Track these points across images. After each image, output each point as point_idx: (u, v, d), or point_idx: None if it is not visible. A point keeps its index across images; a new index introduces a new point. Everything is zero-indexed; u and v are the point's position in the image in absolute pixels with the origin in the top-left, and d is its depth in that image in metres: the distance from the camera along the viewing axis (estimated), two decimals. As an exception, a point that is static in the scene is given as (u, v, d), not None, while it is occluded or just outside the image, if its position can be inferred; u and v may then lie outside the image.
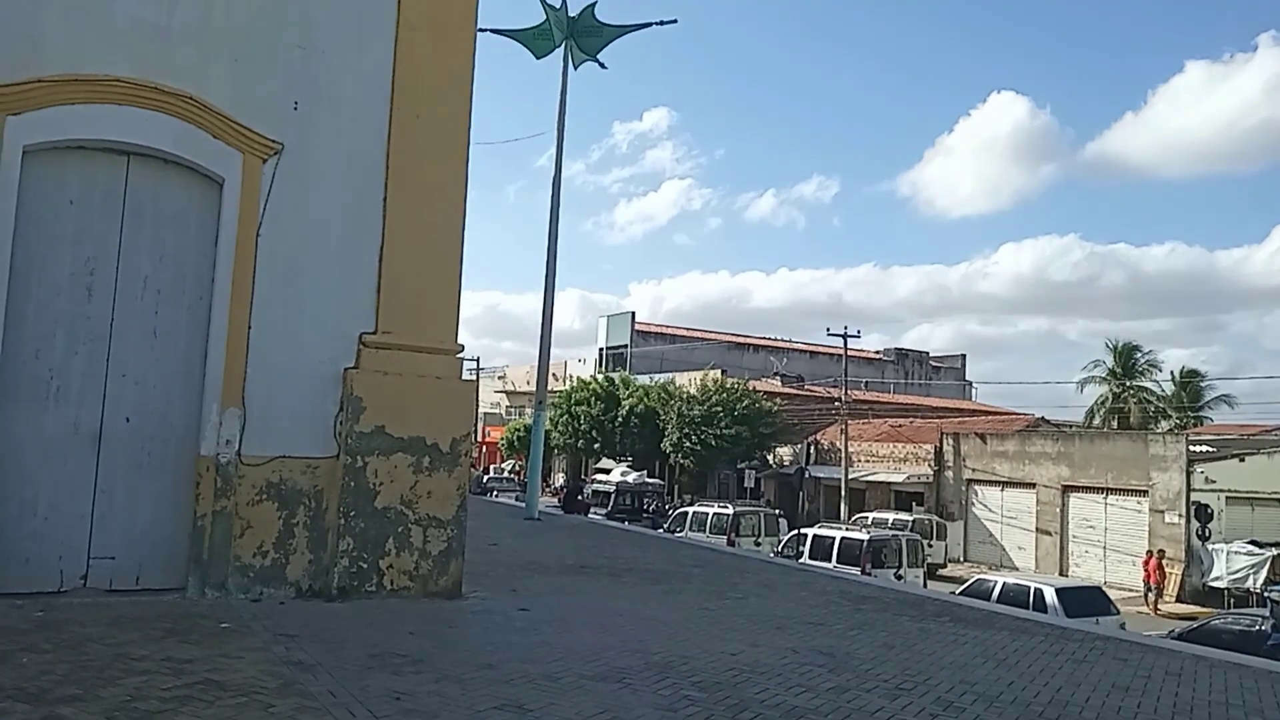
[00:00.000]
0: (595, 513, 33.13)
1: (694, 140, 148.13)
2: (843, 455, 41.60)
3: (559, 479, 57.70)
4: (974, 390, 71.07)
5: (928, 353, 75.71)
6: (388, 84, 8.39)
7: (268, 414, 7.76)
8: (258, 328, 7.77)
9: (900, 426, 45.59)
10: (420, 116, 8.47)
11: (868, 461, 42.63)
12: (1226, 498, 30.73)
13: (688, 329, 70.03)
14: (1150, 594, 28.34)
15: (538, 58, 20.67)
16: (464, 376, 9.02)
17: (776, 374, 58.16)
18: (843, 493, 40.84)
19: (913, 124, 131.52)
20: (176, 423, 7.63)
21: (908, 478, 40.18)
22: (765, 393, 48.45)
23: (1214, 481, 30.77)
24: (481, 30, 20.50)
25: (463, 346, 8.73)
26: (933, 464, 39.41)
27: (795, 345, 69.25)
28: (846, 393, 44.13)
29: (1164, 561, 28.97)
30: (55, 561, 7.15)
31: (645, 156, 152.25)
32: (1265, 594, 20.06)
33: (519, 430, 56.01)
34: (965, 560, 35.79)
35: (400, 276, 8.26)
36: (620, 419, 48.39)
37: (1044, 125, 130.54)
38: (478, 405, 68.54)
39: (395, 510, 8.05)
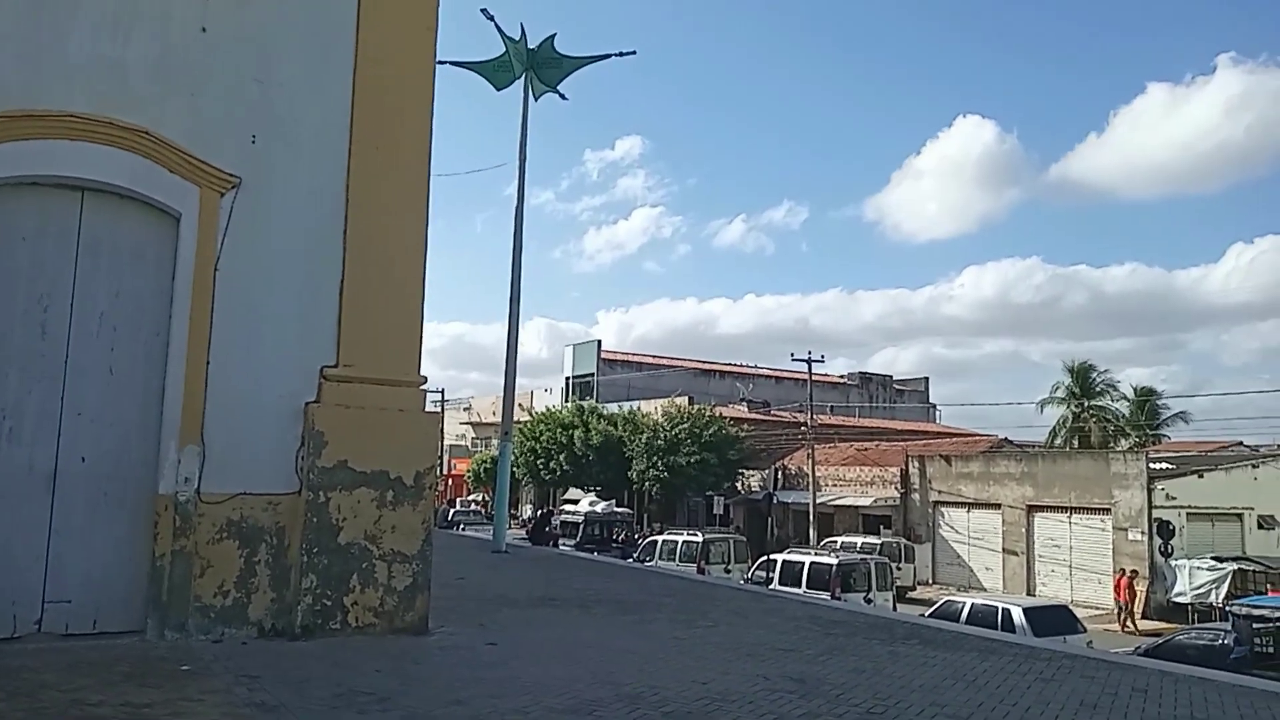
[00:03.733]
0: (564, 543, 32.93)
1: (666, 169, 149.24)
2: (810, 480, 41.72)
3: (527, 510, 57.27)
4: (938, 412, 71.71)
5: (891, 376, 76.36)
6: (347, 117, 8.37)
7: (227, 451, 7.65)
8: (217, 363, 7.67)
9: (866, 450, 45.83)
10: (380, 149, 8.45)
11: (835, 485, 42.77)
12: (1187, 514, 31.17)
13: (654, 356, 70.12)
14: (1121, 613, 28.60)
15: (498, 89, 20.76)
16: (428, 408, 8.95)
17: (743, 400, 58.32)
18: (811, 517, 40.89)
19: (880, 149, 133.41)
20: (134, 461, 7.50)
21: (875, 501, 40.34)
22: (731, 419, 48.52)
23: (1175, 498, 31.21)
24: (441, 63, 20.63)
25: (425, 378, 8.68)
26: (899, 487, 39.62)
27: (761, 371, 69.56)
28: (812, 417, 44.33)
29: (1133, 580, 29.28)
30: (8, 606, 6.96)
31: (617, 184, 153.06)
32: (1227, 608, 20.31)
33: (485, 462, 55.57)
34: (934, 582, 35.92)
35: (361, 309, 8.20)
36: (585, 449, 48.16)
37: (1009, 149, 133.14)
38: (443, 437, 68.12)
39: (359, 546, 7.94)
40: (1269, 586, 26.18)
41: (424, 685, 6.36)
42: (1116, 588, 29.23)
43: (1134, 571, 29.52)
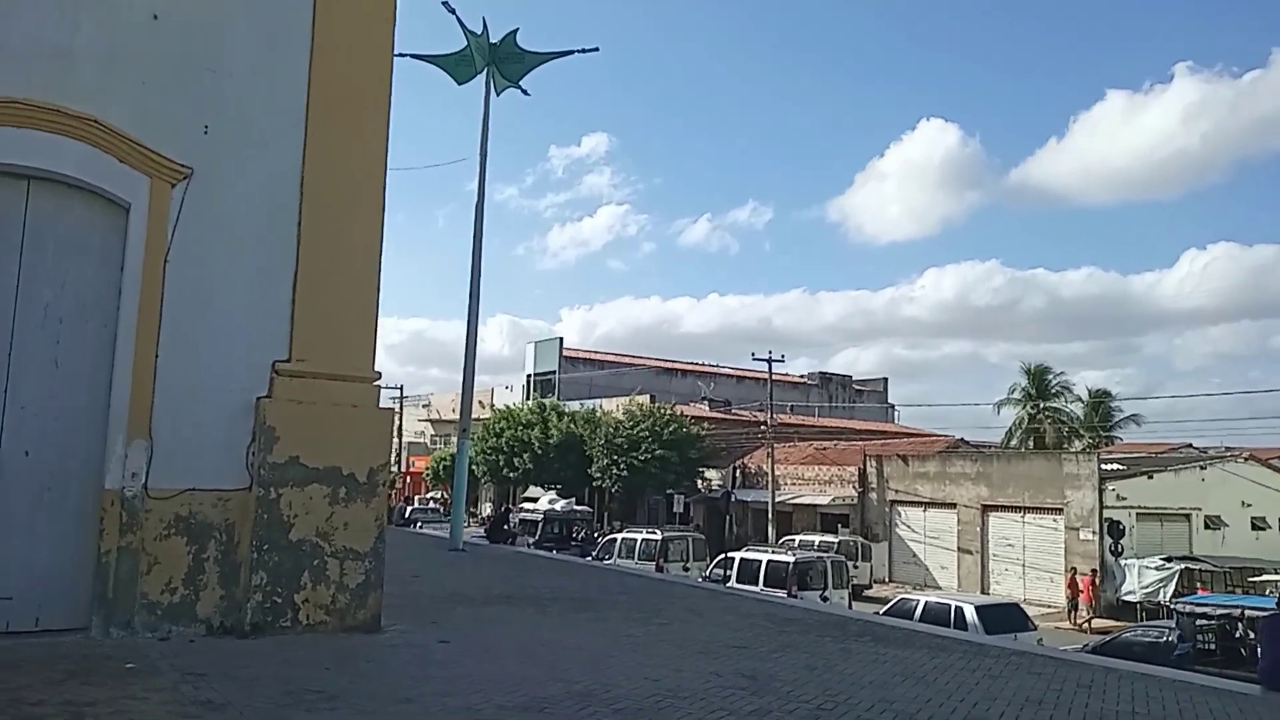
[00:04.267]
0: (525, 541, 32.81)
1: (633, 166, 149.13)
2: (770, 478, 41.96)
3: (487, 508, 56.97)
4: (896, 413, 72.45)
5: (851, 376, 77.02)
6: (302, 107, 8.27)
7: (176, 445, 7.52)
8: (166, 356, 7.54)
9: (825, 449, 46.21)
10: (336, 141, 8.36)
11: (794, 484, 43.08)
12: (1137, 514, 31.83)
13: (616, 355, 70.10)
14: (1076, 610, 29.07)
15: (459, 84, 20.64)
16: (384, 404, 8.88)
17: (704, 399, 58.49)
18: (770, 516, 41.14)
19: (844, 150, 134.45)
20: (79, 456, 7.35)
21: (833, 500, 40.70)
22: (693, 417, 48.64)
23: (1125, 499, 31.85)
24: (402, 55, 20.47)
25: (380, 373, 8.60)
26: (857, 486, 40.01)
27: (723, 370, 69.78)
28: (772, 416, 44.58)
29: (1080, 578, 29.79)
30: (-54, 604, 6.80)
31: (582, 181, 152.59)
32: (1172, 606, 20.77)
33: (444, 460, 55.22)
34: (890, 580, 36.31)
35: (315, 303, 8.11)
36: (545, 447, 48.05)
37: (971, 153, 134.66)
38: (401, 434, 67.61)
39: (310, 543, 7.85)
40: (1199, 585, 26.83)
41: (374, 683, 6.31)
42: (1072, 585, 29.66)
43: (1094, 570, 30.02)
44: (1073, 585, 29.70)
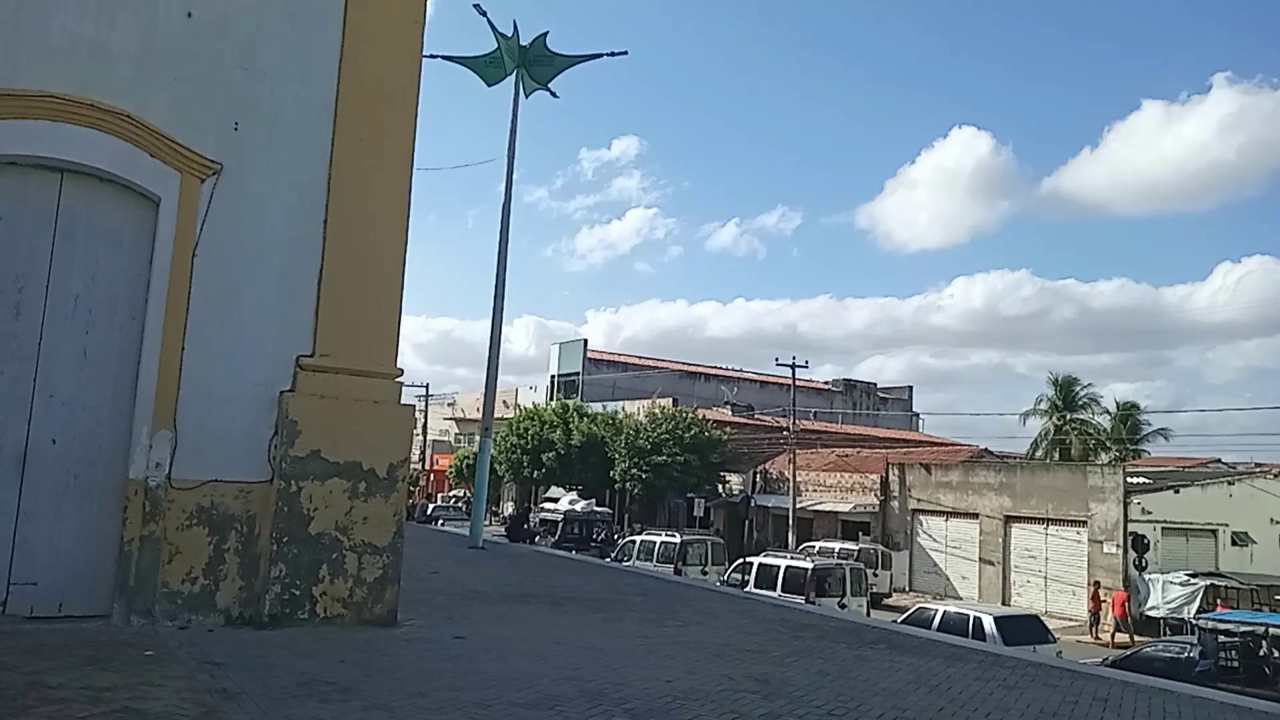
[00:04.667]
0: (544, 541, 32.92)
1: (662, 170, 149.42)
2: (791, 484, 41.83)
3: (509, 507, 57.19)
4: (921, 421, 72.03)
5: (875, 384, 76.72)
6: (331, 106, 8.37)
7: (200, 437, 7.63)
8: (191, 349, 7.65)
9: (847, 457, 46.00)
10: (364, 140, 8.45)
11: (815, 491, 42.92)
12: (1162, 529, 31.44)
13: (640, 357, 70.18)
14: (1098, 625, 28.70)
15: (489, 85, 20.77)
16: (405, 401, 8.94)
17: (727, 403, 58.43)
18: (790, 522, 41.03)
19: (876, 157, 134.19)
20: (105, 445, 7.47)
21: (854, 507, 40.50)
22: (715, 422, 48.60)
23: (1150, 513, 31.47)
24: (433, 57, 20.64)
25: (402, 370, 8.67)
26: (879, 494, 39.79)
27: (746, 375, 69.70)
28: (795, 422, 44.47)
29: (1114, 593, 29.44)
30: (-27, 588, 6.93)
31: (611, 184, 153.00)
32: (1194, 622, 20.52)
33: (467, 458, 55.48)
34: (910, 589, 36.09)
35: (339, 299, 8.20)
36: (567, 448, 48.17)
37: (1004, 161, 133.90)
38: (426, 433, 68.06)
39: (330, 536, 7.93)
40: (1219, 602, 26.45)
41: (388, 676, 6.36)
42: (1095, 598, 29.28)
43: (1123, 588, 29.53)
44: (1095, 599, 29.37)
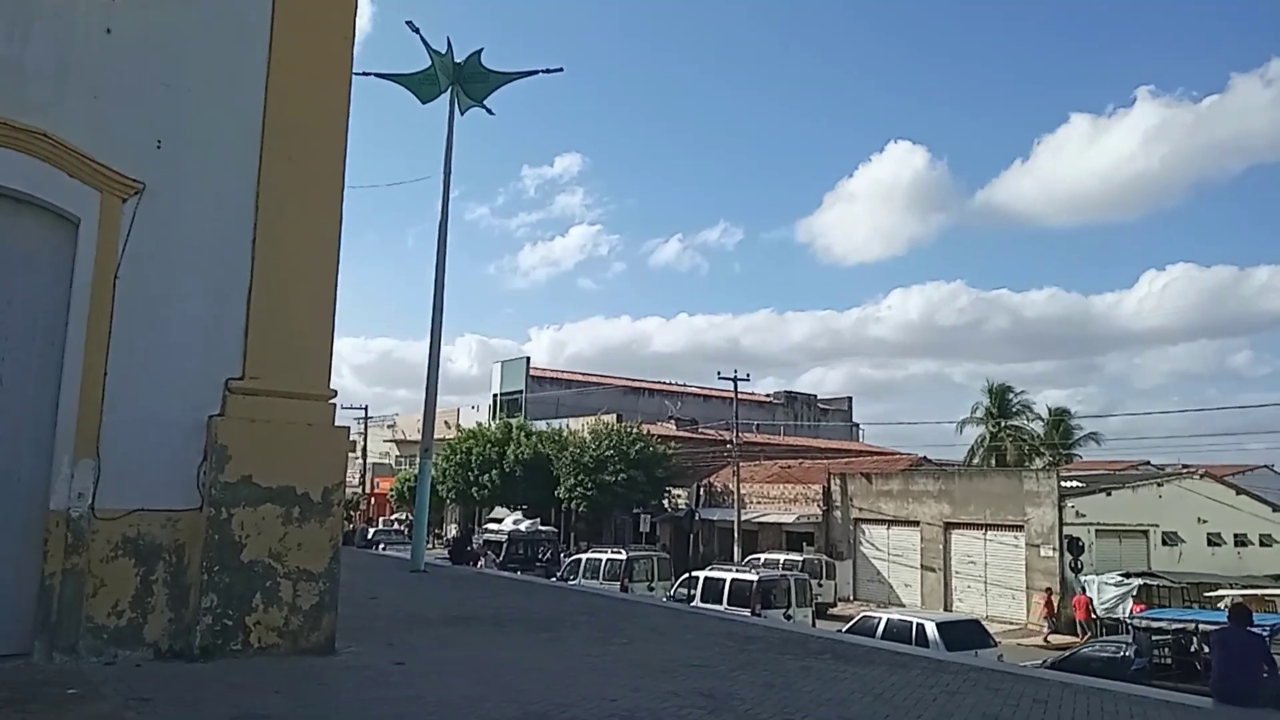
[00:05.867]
0: (489, 562, 32.54)
1: (606, 187, 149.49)
2: (735, 497, 42.00)
3: (453, 530, 56.49)
4: (861, 431, 72.93)
5: (816, 395, 77.47)
6: (258, 125, 8.21)
7: (125, 465, 7.38)
8: (115, 374, 7.41)
9: (790, 468, 46.36)
10: (292, 158, 8.30)
11: (759, 503, 43.13)
12: (1096, 530, 32.18)
13: (584, 374, 70.00)
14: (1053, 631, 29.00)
15: (423, 102, 20.61)
16: (339, 422, 8.76)
17: (671, 418, 58.51)
18: (735, 534, 41.14)
19: (814, 171, 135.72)
20: (24, 476, 7.19)
21: (798, 518, 40.78)
22: (659, 436, 48.62)
23: (1084, 515, 32.20)
24: (365, 74, 20.40)
25: (335, 392, 8.50)
26: (821, 504, 40.13)
27: (690, 389, 69.91)
28: (738, 435, 44.67)
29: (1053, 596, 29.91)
30: (-119, 629, 6.60)
31: (554, 201, 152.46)
32: (1129, 621, 21.00)
33: (408, 480, 54.70)
34: (855, 598, 36.38)
35: (270, 320, 8.01)
36: (511, 467, 47.80)
37: (939, 175, 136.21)
38: (366, 455, 67.02)
39: (263, 563, 7.72)
40: (1135, 603, 27.12)
41: (324, 706, 6.20)
42: (1049, 605, 29.67)
43: (1048, 589, 30.05)
44: (1049, 605, 29.73)
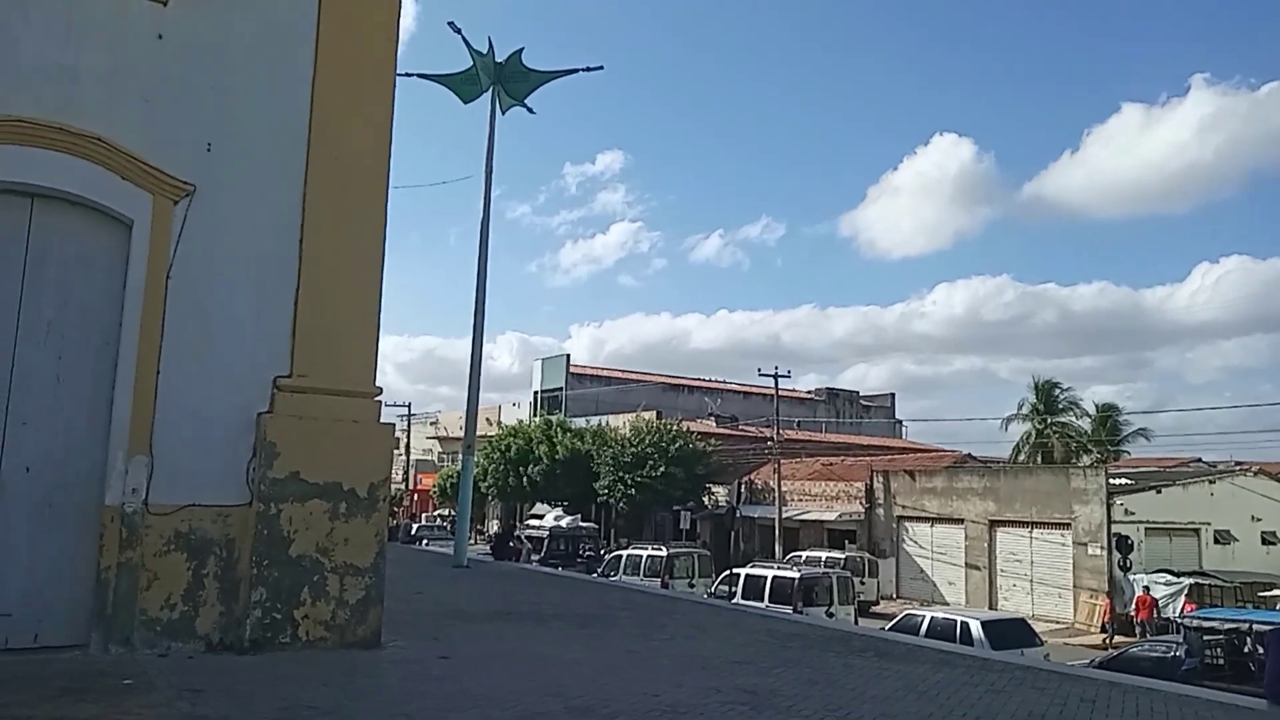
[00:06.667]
0: (532, 558, 32.75)
1: (646, 184, 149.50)
2: (776, 494, 41.85)
3: (494, 526, 56.91)
4: (904, 429, 72.28)
5: (858, 392, 76.92)
6: (305, 126, 8.32)
7: (177, 461, 7.54)
8: (167, 372, 7.57)
9: (832, 465, 46.09)
10: (338, 158, 8.41)
11: (801, 500, 42.94)
12: (1145, 529, 31.62)
13: (623, 371, 70.18)
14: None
15: (465, 102, 20.78)
16: (384, 420, 8.86)
17: (711, 415, 58.44)
18: (777, 532, 41.01)
19: (858, 165, 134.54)
20: (80, 472, 7.37)
21: (840, 516, 40.54)
22: (699, 433, 48.60)
23: (1133, 513, 31.65)
24: (407, 75, 20.62)
25: (380, 389, 8.60)
26: (864, 502, 39.86)
27: (730, 386, 69.78)
28: (779, 432, 44.52)
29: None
30: (-54, 620, 6.81)
31: (596, 199, 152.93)
32: (1179, 621, 20.62)
33: (451, 477, 55.20)
34: (897, 596, 36.12)
35: (316, 319, 8.13)
36: (551, 463, 48.03)
37: (986, 168, 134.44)
38: (409, 452, 67.72)
39: (311, 558, 7.85)
40: (1188, 602, 26.51)
41: (371, 699, 6.30)
42: (1111, 610, 29.13)
43: (1145, 589, 29.30)
44: (1111, 610, 29.10)
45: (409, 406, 69.44)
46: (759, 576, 24.25)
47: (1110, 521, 31.33)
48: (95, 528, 7.29)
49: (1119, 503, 31.62)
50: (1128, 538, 30.98)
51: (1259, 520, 33.32)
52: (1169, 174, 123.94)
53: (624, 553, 31.38)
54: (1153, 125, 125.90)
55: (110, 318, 7.54)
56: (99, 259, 7.60)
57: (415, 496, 68.77)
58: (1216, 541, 32.56)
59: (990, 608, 31.86)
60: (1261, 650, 14.92)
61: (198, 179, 7.85)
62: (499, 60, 20.35)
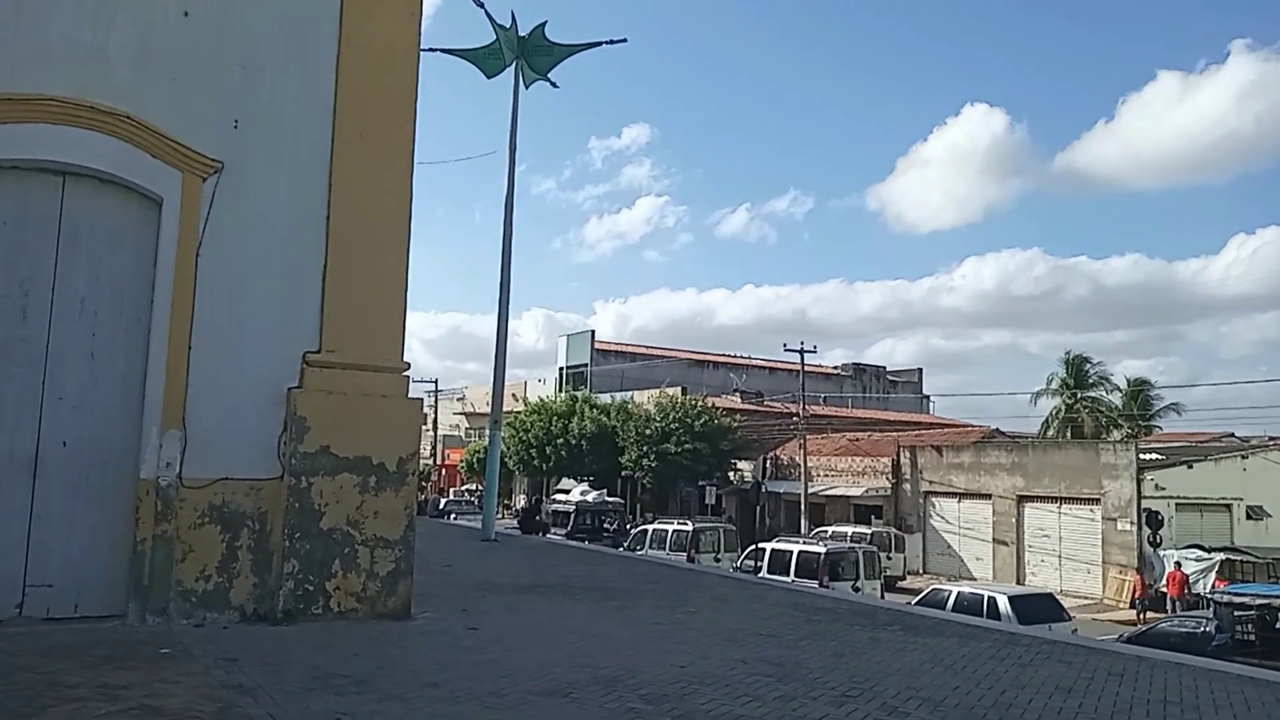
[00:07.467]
0: (555, 533, 32.99)
1: (672, 158, 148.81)
2: (802, 469, 41.83)
3: (520, 500, 57.32)
4: (931, 404, 71.88)
5: (884, 367, 76.49)
6: (330, 103, 8.36)
7: (210, 436, 7.66)
8: (199, 348, 7.68)
9: (858, 440, 45.96)
10: (363, 135, 8.45)
11: (827, 476, 42.91)
12: (1176, 504, 31.32)
13: (648, 347, 70.15)
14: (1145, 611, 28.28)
15: (488, 77, 20.71)
16: (411, 395, 8.94)
17: (736, 390, 58.40)
18: (803, 507, 41.03)
19: (888, 137, 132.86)
20: (115, 446, 7.51)
21: (866, 491, 40.48)
22: (724, 409, 48.61)
23: (1164, 488, 31.35)
24: (430, 50, 20.60)
25: (408, 364, 8.68)
26: (890, 477, 39.76)
27: (755, 362, 69.59)
28: (804, 408, 44.42)
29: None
30: (-11, 590, 6.98)
31: (621, 173, 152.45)
32: (1209, 597, 20.47)
33: (478, 452, 55.58)
34: (924, 572, 36.08)
35: (344, 295, 8.21)
36: (577, 438, 48.26)
37: (1018, 139, 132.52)
38: (436, 427, 68.21)
39: (341, 531, 7.96)
40: (1218, 579, 26.20)
41: (402, 668, 6.39)
42: (1142, 585, 28.96)
43: (1177, 564, 29.03)
44: (1142, 586, 28.87)
45: (436, 382, 69.91)
46: (785, 551, 24.30)
47: (1140, 497, 31.05)
48: (131, 501, 7.44)
49: (1149, 478, 31.32)
50: (1158, 513, 30.73)
51: (1293, 496, 32.92)
52: (1207, 143, 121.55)
53: (649, 527, 31.53)
54: (1190, 93, 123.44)
55: (142, 294, 7.65)
56: (130, 236, 7.70)
57: (443, 471, 69.35)
58: (1249, 517, 32.20)
59: (1018, 583, 31.73)
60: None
61: (225, 156, 7.92)
62: (522, 34, 20.24)
